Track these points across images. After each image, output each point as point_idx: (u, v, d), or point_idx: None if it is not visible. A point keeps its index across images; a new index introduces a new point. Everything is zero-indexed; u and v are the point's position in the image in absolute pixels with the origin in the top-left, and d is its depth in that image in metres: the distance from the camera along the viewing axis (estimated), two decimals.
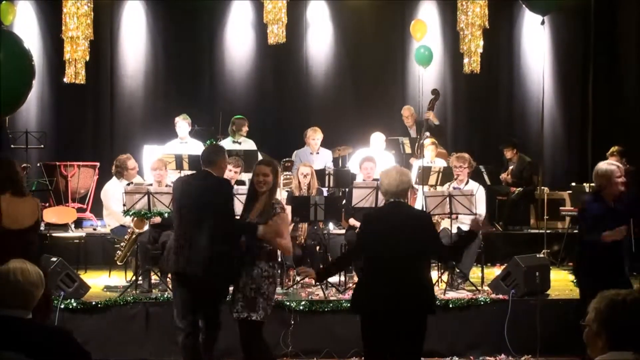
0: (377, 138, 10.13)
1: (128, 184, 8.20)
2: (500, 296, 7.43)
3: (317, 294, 7.60)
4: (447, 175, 8.86)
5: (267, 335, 6.99)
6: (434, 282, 7.80)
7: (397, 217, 4.89)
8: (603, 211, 5.98)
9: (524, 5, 10.36)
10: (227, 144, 9.85)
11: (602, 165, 6.12)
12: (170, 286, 7.80)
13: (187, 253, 5.40)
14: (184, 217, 5.49)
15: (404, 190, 4.97)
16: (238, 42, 12.25)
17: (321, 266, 5.03)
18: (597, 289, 5.63)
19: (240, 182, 8.94)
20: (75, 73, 10.97)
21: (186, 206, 5.50)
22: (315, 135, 10.15)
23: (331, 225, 9.03)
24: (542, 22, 7.62)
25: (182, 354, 5.59)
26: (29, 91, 5.12)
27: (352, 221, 8.28)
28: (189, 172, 9.28)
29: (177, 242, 5.49)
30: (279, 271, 5.43)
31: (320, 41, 12.39)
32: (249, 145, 9.89)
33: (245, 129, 10.04)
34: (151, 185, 8.08)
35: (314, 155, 10.11)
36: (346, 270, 8.39)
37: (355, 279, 8.14)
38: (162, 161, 8.49)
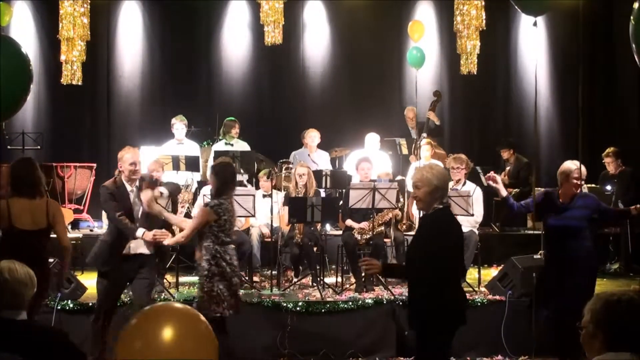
0: (372, 138, 10.13)
1: None
2: (497, 297, 7.44)
3: (314, 295, 7.61)
4: None
5: (264, 337, 7.02)
6: None
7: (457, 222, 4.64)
8: (548, 203, 6.11)
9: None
10: (221, 146, 9.85)
11: (565, 163, 6.15)
12: (166, 288, 7.86)
13: None
14: None
15: None
16: (235, 43, 12.25)
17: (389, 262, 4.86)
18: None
19: (238, 183, 8.93)
20: (71, 74, 10.96)
21: None
22: (312, 135, 10.16)
23: (328, 226, 9.03)
24: (535, 24, 7.59)
25: None
26: (26, 96, 5.12)
27: (349, 222, 8.28)
28: (186, 173, 9.34)
29: None
30: (228, 267, 5.65)
31: (317, 42, 12.39)
32: (241, 146, 9.86)
33: (235, 130, 10.01)
34: None
35: (312, 156, 10.11)
36: (342, 271, 8.41)
37: (352, 279, 8.16)
38: (158, 162, 8.49)
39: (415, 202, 4.78)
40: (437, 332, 4.38)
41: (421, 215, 4.79)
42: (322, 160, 10.19)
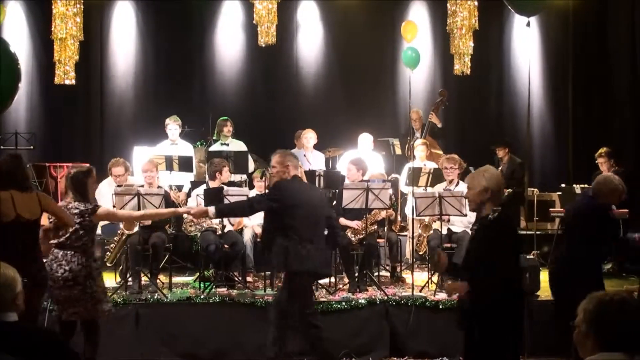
0: (365, 139, 10.11)
1: (118, 186, 8.16)
2: None
3: None
4: (437, 176, 8.88)
5: (258, 336, 6.97)
6: (424, 284, 7.87)
7: None
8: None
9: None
10: (216, 146, 9.85)
11: (612, 179, 5.93)
12: (159, 288, 7.82)
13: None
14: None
15: None
16: (228, 43, 12.23)
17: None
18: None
19: (232, 184, 8.92)
20: (64, 74, 10.93)
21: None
22: (308, 135, 10.15)
23: None
24: (528, 24, 7.61)
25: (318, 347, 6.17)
26: (14, 94, 5.11)
27: (342, 221, 8.26)
28: (180, 173, 9.31)
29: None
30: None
31: (310, 42, 12.38)
32: (237, 146, 9.86)
33: (227, 129, 10.00)
34: (142, 186, 8.06)
35: (308, 157, 10.09)
36: (336, 271, 8.40)
37: (346, 280, 8.15)
38: (152, 163, 8.47)
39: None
40: (505, 334, 4.49)
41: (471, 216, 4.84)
42: (317, 161, 10.17)
